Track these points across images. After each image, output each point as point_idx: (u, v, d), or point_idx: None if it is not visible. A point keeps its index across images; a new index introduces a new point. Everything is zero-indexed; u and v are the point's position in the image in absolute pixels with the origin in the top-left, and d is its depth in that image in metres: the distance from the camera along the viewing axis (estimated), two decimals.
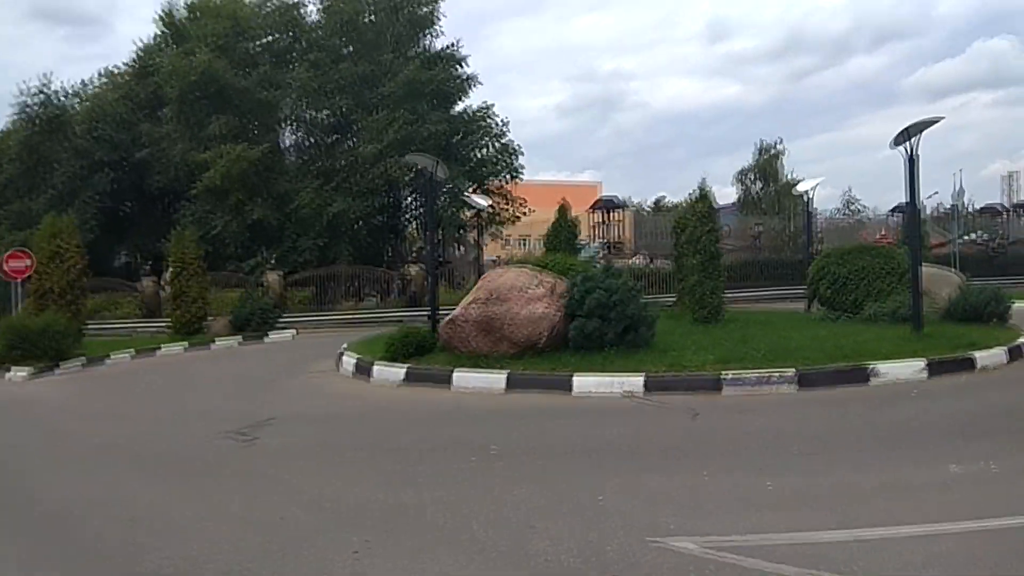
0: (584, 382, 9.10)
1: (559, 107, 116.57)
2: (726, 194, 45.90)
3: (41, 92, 32.66)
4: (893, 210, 36.27)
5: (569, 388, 9.13)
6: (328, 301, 28.17)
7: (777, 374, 8.75)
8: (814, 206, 35.80)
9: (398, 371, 10.76)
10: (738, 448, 6.23)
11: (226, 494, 5.51)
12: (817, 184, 17.91)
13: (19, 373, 14.13)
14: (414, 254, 29.57)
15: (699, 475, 5.31)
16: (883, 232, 36.51)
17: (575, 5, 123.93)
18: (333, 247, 30.02)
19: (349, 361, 12.32)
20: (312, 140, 32.91)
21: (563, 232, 16.32)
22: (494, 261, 34.63)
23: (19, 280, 16.83)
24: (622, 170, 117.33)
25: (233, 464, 6.50)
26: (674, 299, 16.67)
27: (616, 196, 38.92)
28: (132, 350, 17.43)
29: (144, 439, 7.88)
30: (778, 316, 15.30)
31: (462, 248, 38.82)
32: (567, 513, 4.57)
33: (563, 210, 17.02)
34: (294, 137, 33.23)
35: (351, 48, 31.41)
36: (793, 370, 8.81)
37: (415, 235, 35.91)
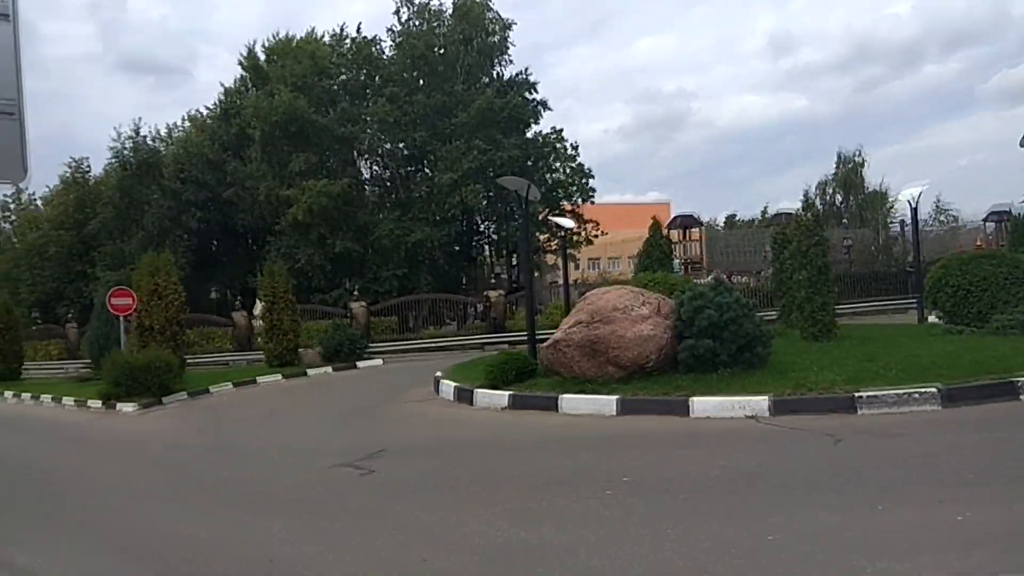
0: (703, 405, 8.61)
1: (622, 129, 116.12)
2: (793, 208, 44.35)
3: (132, 138, 34.50)
4: (989, 216, 34.18)
5: (686, 411, 8.65)
6: (410, 328, 28.39)
7: (918, 392, 8.04)
8: (900, 215, 34.10)
9: (501, 396, 10.50)
10: (900, 477, 5.64)
11: (359, 532, 5.30)
12: (923, 190, 16.84)
13: (127, 408, 14.59)
14: (493, 279, 29.48)
15: (874, 509, 4.78)
16: (980, 240, 34.39)
17: (633, 29, 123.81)
18: (413, 276, 30.34)
19: (448, 387, 12.15)
20: (389, 172, 33.56)
21: (656, 250, 15.84)
22: (573, 284, 34.32)
23: (124, 316, 17.50)
24: (688, 189, 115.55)
25: (357, 499, 6.32)
26: (774, 315, 15.91)
27: (693, 213, 38.04)
28: (231, 382, 17.82)
29: (260, 472, 7.82)
30: (893, 330, 14.37)
31: (537, 272, 38.62)
32: (741, 556, 4.13)
33: (656, 227, 16.58)
34: (372, 170, 33.95)
35: (424, 80, 31.97)
36: (935, 388, 8.09)
37: (492, 261, 35.96)
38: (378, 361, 22.20)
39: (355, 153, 32.74)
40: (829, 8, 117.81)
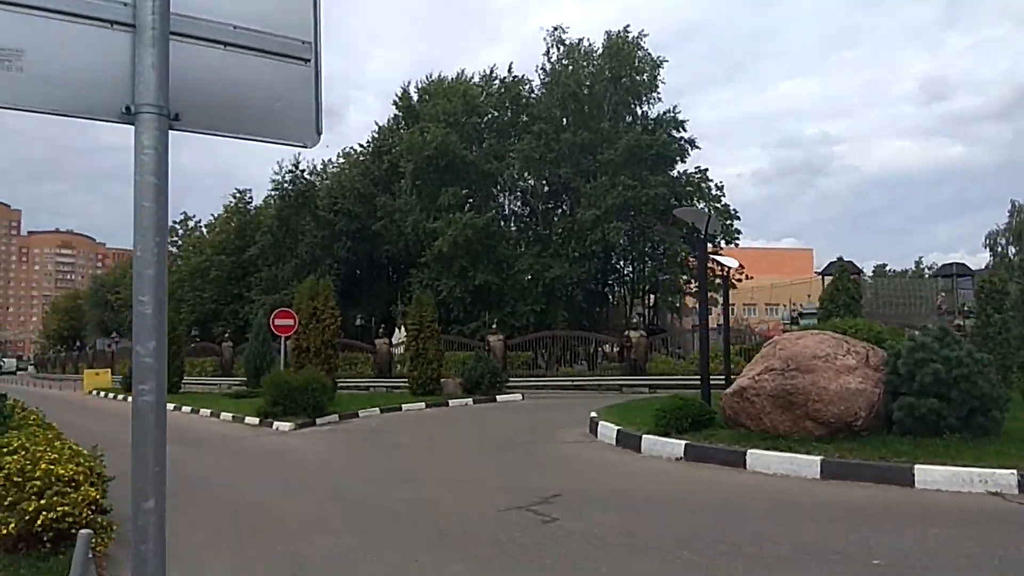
0: (930, 475, 7.35)
1: (756, 174, 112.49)
2: (952, 260, 40.43)
3: (292, 171, 36.59)
4: None
5: (909, 481, 7.42)
6: (546, 364, 27.90)
7: None
8: None
9: (675, 446, 9.60)
10: None
11: None
12: None
13: (283, 426, 14.82)
14: (635, 319, 28.49)
15: None
16: None
17: (774, 72, 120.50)
18: (550, 312, 29.92)
19: (608, 430, 11.38)
20: (530, 208, 33.60)
21: (844, 294, 14.44)
22: (715, 328, 32.68)
23: (284, 337, 18.08)
24: (827, 237, 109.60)
25: (546, 552, 5.66)
26: None
27: (853, 261, 35.38)
28: (378, 407, 17.89)
29: (429, 507, 7.35)
30: None
31: (671, 315, 37.17)
32: None
33: (844, 271, 15.16)
34: (513, 205, 34.14)
35: (570, 118, 31.92)
36: None
37: (628, 301, 34.91)
38: (517, 396, 21.74)
39: (497, 188, 33.05)
40: (988, 53, 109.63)
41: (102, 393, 30.55)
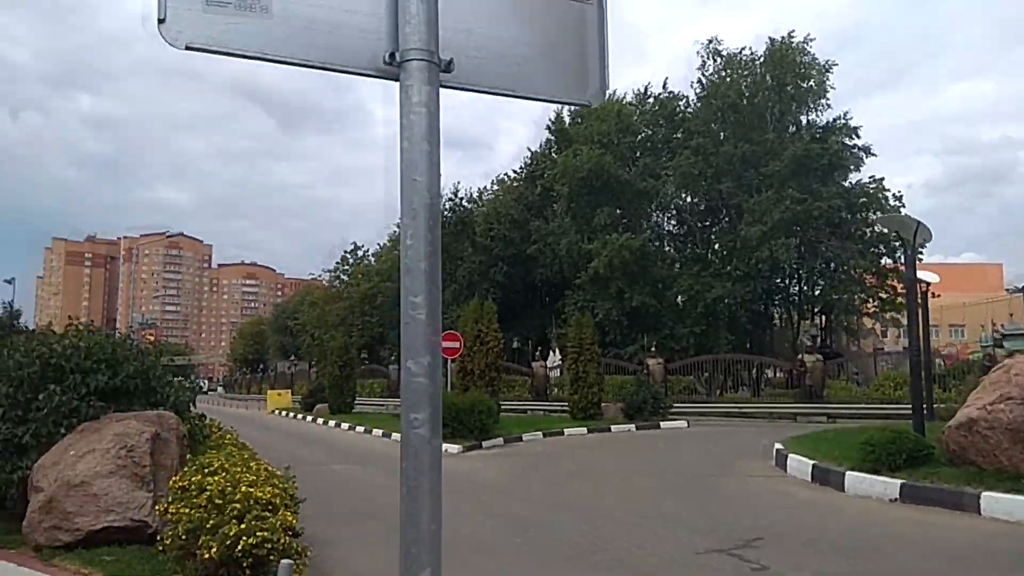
0: None
1: (928, 184, 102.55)
2: None
3: (451, 199, 37.72)
4: None
5: None
6: (707, 390, 26.51)
7: None
8: None
9: (888, 485, 8.43)
10: None
11: None
12: None
13: (451, 448, 14.86)
14: (808, 342, 26.41)
15: None
16: None
17: (944, 74, 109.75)
18: (710, 334, 28.54)
19: (800, 464, 10.29)
20: (687, 226, 32.41)
21: None
22: (903, 353, 29.65)
23: (450, 359, 18.34)
24: (1012, 251, 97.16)
25: None
26: None
27: None
28: (540, 431, 17.61)
29: (617, 544, 6.81)
30: None
31: (846, 337, 34.20)
32: None
33: None
34: (669, 225, 33.12)
35: (729, 131, 30.55)
36: None
37: (797, 322, 32.52)
38: (681, 423, 20.66)
39: (652, 207, 32.19)
40: None
41: (283, 412, 32.70)
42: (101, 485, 6.18)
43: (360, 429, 20.52)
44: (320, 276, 54.94)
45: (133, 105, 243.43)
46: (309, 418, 27.69)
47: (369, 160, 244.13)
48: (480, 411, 15.26)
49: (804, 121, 31.14)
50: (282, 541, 4.92)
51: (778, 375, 30.04)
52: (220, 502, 5.21)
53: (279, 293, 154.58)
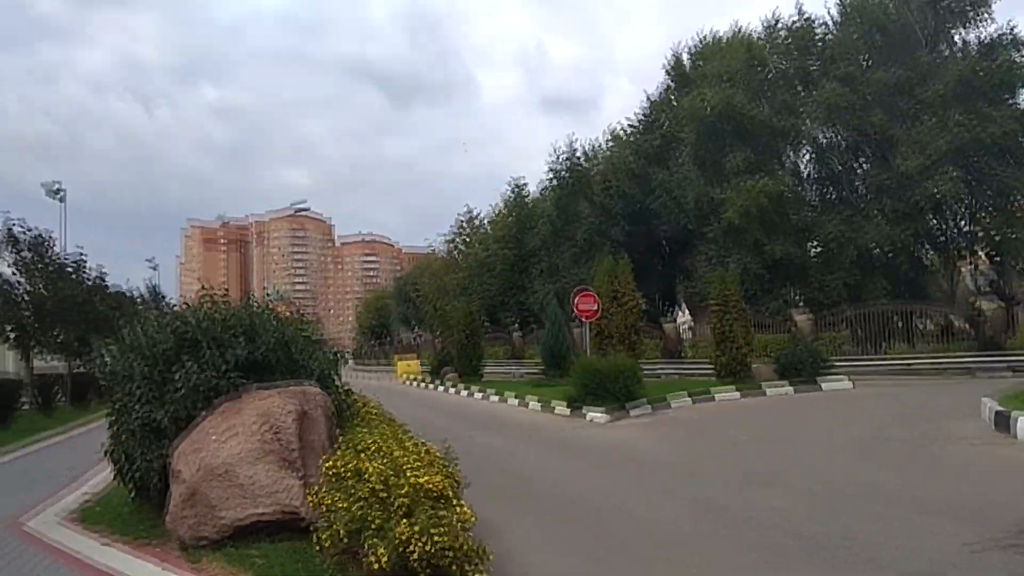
0: None
1: None
2: None
3: (567, 156, 36.30)
4: None
5: None
6: (869, 344, 24.00)
7: None
8: None
9: None
10: None
11: None
12: None
13: (596, 414, 13.86)
14: (988, 286, 23.34)
15: None
16: None
17: None
18: (866, 283, 25.76)
19: None
20: (830, 166, 29.41)
21: None
22: None
23: (588, 321, 17.27)
24: None
25: None
26: None
27: None
28: (687, 393, 16.29)
29: (858, 533, 5.50)
30: None
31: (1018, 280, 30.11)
32: None
33: None
34: (813, 163, 30.15)
35: (873, 58, 27.21)
36: None
37: (971, 264, 28.92)
38: (844, 383, 18.63)
39: (794, 148, 29.40)
40: None
41: (411, 380, 32.98)
42: (247, 472, 5.53)
43: (494, 397, 19.93)
44: (434, 244, 55.13)
45: (252, 92, 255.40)
46: (439, 386, 27.58)
47: (475, 129, 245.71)
48: (626, 376, 14.12)
49: (963, 38, 27.30)
50: (465, 546, 4.00)
51: (930, 326, 26.83)
52: (384, 494, 4.37)
53: (397, 265, 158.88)
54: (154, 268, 47.13)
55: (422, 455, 5.04)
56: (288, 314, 7.69)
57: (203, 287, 7.41)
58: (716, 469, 8.49)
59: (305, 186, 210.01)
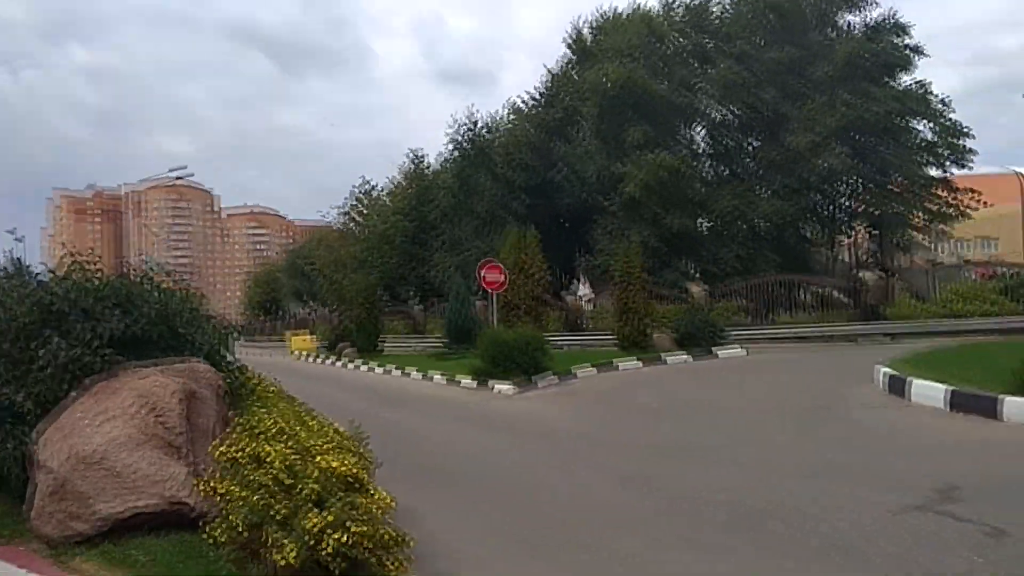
0: None
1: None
2: None
3: (468, 127, 35.62)
4: None
5: None
6: (760, 315, 25.01)
7: None
8: None
9: None
10: None
11: None
12: None
13: (503, 387, 13.59)
14: (869, 258, 24.77)
15: None
16: None
17: None
18: (756, 256, 26.83)
19: (929, 390, 8.87)
20: (729, 142, 30.30)
21: None
22: (960, 265, 27.94)
23: (495, 292, 16.92)
24: None
25: None
26: None
27: None
28: (591, 364, 16.30)
29: (785, 500, 5.43)
30: None
31: (904, 252, 32.28)
32: None
33: None
34: (709, 140, 30.95)
35: (765, 38, 28.12)
36: None
37: (853, 238, 30.65)
38: (739, 350, 19.28)
39: (691, 123, 30.05)
40: None
41: (307, 356, 31.70)
42: (125, 459, 4.81)
43: (396, 371, 19.31)
44: (328, 216, 53.22)
45: (130, 54, 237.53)
46: (337, 361, 26.59)
47: (370, 99, 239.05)
48: (532, 348, 13.91)
49: (849, 21, 28.63)
50: (386, 535, 3.53)
51: (815, 295, 28.35)
52: (289, 480, 3.82)
53: (288, 238, 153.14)
54: (19, 240, 42.96)
55: (331, 435, 4.51)
56: (170, 285, 6.83)
57: (71, 254, 6.43)
58: (633, 439, 8.38)
59: (187, 155, 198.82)
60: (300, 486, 3.71)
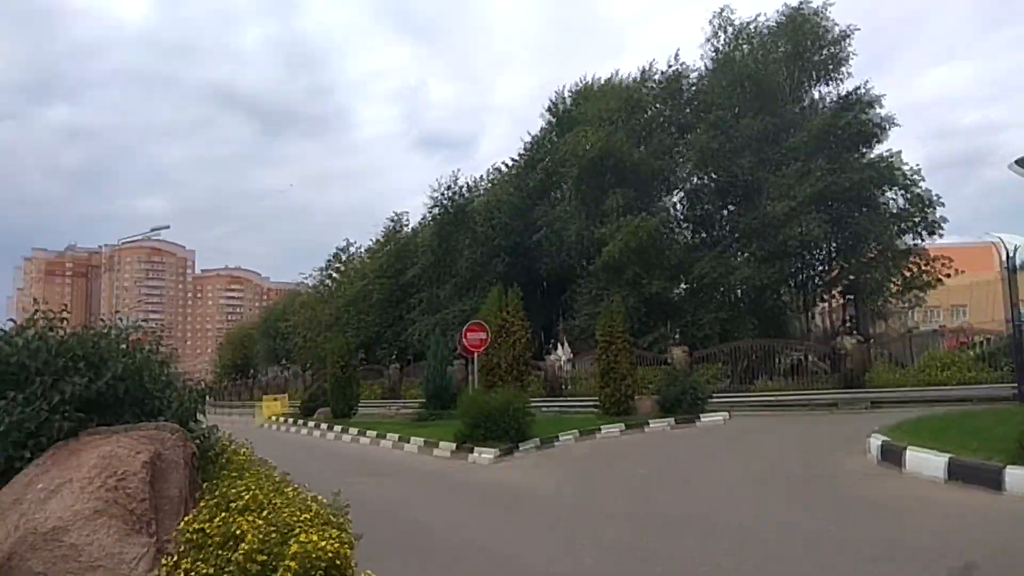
0: None
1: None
2: None
3: (449, 187, 35.89)
4: None
5: None
6: (740, 379, 24.85)
7: None
8: None
9: None
10: None
11: None
12: None
13: (484, 455, 13.11)
14: (847, 324, 24.88)
15: None
16: None
17: (925, 58, 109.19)
18: (736, 320, 26.89)
19: (924, 459, 8.64)
20: (703, 207, 30.75)
21: None
22: (937, 332, 28.12)
23: (476, 353, 16.57)
24: (1002, 232, 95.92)
25: None
26: None
27: None
28: (574, 431, 15.88)
29: None
30: None
31: (875, 319, 32.55)
32: None
33: None
34: (687, 205, 31.41)
35: (742, 106, 28.89)
36: None
37: (805, 305, 30.72)
38: (719, 416, 18.99)
39: (670, 189, 30.53)
40: None
41: (278, 421, 30.69)
42: (81, 532, 4.35)
43: (371, 436, 18.67)
44: (307, 278, 52.81)
45: (109, 114, 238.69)
46: (311, 425, 25.74)
47: (350, 163, 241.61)
48: (516, 410, 13.50)
49: (823, 92, 29.59)
50: None
51: (800, 362, 28.33)
52: (264, 557, 3.44)
53: (264, 299, 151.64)
54: None
55: (310, 506, 4.13)
56: (139, 338, 6.43)
57: (36, 306, 6.02)
58: (626, 510, 7.96)
59: (164, 215, 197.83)
60: (278, 568, 3.33)
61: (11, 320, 6.06)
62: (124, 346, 5.78)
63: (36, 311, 5.78)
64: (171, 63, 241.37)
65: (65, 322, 5.85)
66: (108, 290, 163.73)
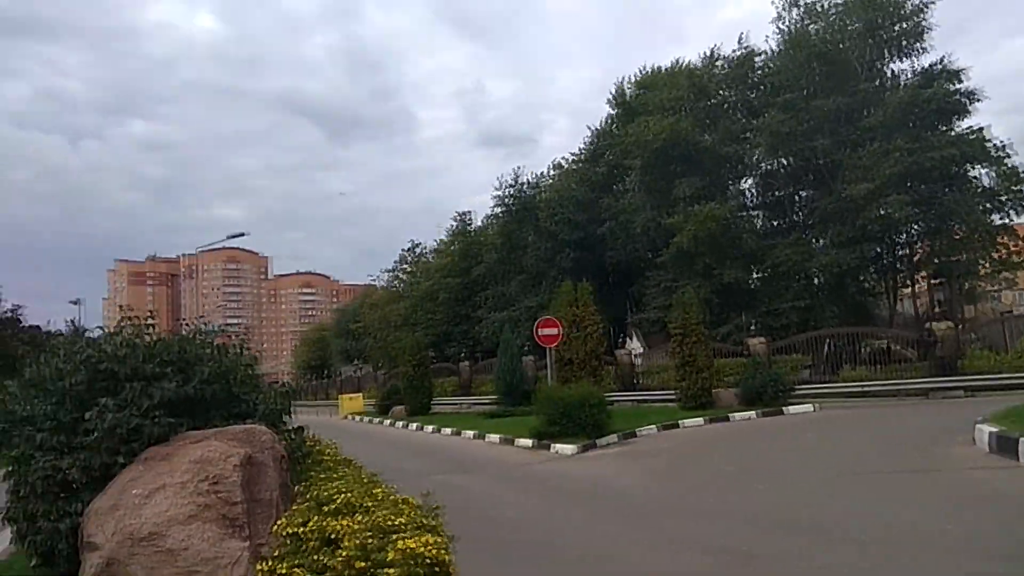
0: None
1: None
2: None
3: (512, 185, 35.79)
4: None
5: None
6: (823, 368, 23.88)
7: None
8: None
9: None
10: None
11: None
12: None
13: (565, 448, 12.92)
14: (938, 309, 23.57)
15: None
16: None
17: (1002, 30, 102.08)
18: (816, 308, 25.84)
19: None
20: (781, 192, 29.69)
21: None
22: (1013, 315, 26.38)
23: (551, 347, 16.40)
24: None
25: None
26: None
27: None
28: (654, 424, 15.52)
29: None
30: None
31: (962, 303, 30.81)
32: None
33: None
34: (759, 191, 30.38)
35: (813, 87, 27.67)
36: None
37: (892, 288, 29.22)
38: (807, 407, 18.25)
39: (741, 174, 29.61)
40: None
41: (357, 417, 31.33)
42: (178, 536, 4.38)
43: (447, 431, 18.75)
44: (377, 278, 53.79)
45: (184, 127, 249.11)
46: (386, 422, 26.12)
47: (414, 164, 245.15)
48: (592, 405, 13.26)
49: (900, 67, 28.08)
50: None
51: (886, 348, 26.95)
52: (361, 564, 3.34)
53: (335, 300, 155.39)
54: (73, 303, 44.36)
55: (404, 509, 4.03)
56: (226, 342, 6.51)
57: (123, 313, 6.15)
58: (718, 508, 7.61)
59: (240, 222, 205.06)
60: (377, 574, 3.22)
61: (99, 327, 6.20)
62: (210, 350, 5.85)
63: (123, 318, 5.90)
64: (239, 75, 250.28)
65: (152, 328, 5.96)
66: (190, 296, 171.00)
